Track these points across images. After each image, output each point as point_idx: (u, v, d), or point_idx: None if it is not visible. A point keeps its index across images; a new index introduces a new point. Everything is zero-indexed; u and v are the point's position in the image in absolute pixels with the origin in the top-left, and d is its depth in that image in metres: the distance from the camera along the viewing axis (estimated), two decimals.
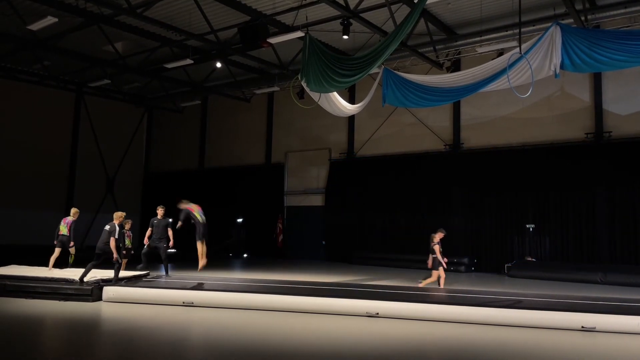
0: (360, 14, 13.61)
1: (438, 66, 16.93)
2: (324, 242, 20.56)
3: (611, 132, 15.20)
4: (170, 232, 11.65)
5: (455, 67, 17.31)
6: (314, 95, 12.32)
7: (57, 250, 12.09)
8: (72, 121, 23.76)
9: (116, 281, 9.87)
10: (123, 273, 10.96)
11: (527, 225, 15.98)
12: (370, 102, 12.53)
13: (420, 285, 11.00)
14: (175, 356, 6.06)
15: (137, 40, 17.25)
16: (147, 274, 11.43)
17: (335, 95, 12.52)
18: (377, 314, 8.35)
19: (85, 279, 9.68)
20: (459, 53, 16.60)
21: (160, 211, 11.87)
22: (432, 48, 15.82)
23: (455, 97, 12.29)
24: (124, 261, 12.14)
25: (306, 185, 21.62)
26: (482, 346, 6.68)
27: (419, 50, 15.78)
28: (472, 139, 17.72)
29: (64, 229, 12.29)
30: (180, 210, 11.63)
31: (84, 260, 10.59)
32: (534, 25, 13.71)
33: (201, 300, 9.15)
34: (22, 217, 21.02)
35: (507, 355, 6.34)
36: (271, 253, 21.46)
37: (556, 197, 15.79)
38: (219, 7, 14.45)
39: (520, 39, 9.86)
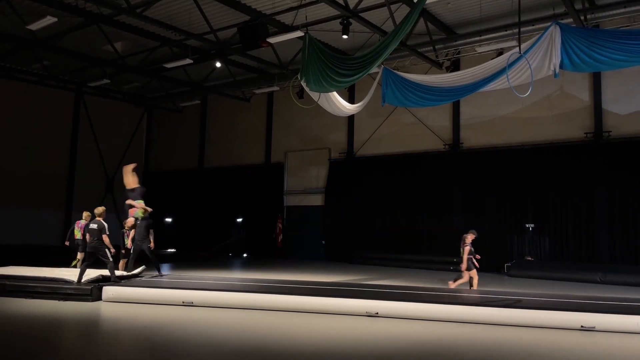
0: (360, 14, 13.61)
1: (438, 66, 16.93)
2: (323, 242, 20.56)
3: (611, 131, 15.20)
4: (151, 233, 11.62)
5: (455, 66, 17.32)
6: (314, 95, 12.31)
7: (80, 255, 12.27)
8: (72, 121, 23.76)
9: (114, 280, 9.85)
10: (120, 273, 10.97)
11: (527, 225, 15.99)
12: (370, 101, 12.54)
13: (452, 286, 10.71)
14: (175, 356, 6.06)
15: (137, 40, 17.25)
16: (143, 269, 11.45)
17: (335, 95, 12.52)
18: (377, 313, 8.35)
19: (82, 280, 9.68)
20: (459, 53, 16.60)
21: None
22: (431, 48, 15.82)
23: (454, 97, 12.29)
24: (124, 261, 12.15)
25: (306, 185, 21.62)
26: (481, 346, 6.69)
27: (419, 50, 15.78)
28: (471, 138, 17.72)
29: (78, 234, 12.39)
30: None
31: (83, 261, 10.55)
32: (533, 25, 13.71)
33: (201, 300, 9.15)
34: (21, 217, 21.02)
35: (506, 354, 6.34)
36: (271, 253, 21.47)
37: (556, 196, 15.80)
38: (219, 7, 14.45)
39: (519, 39, 9.86)
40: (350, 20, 13.78)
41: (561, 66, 9.38)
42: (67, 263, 12.99)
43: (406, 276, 14.47)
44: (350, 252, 19.18)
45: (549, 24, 9.51)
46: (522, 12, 11.20)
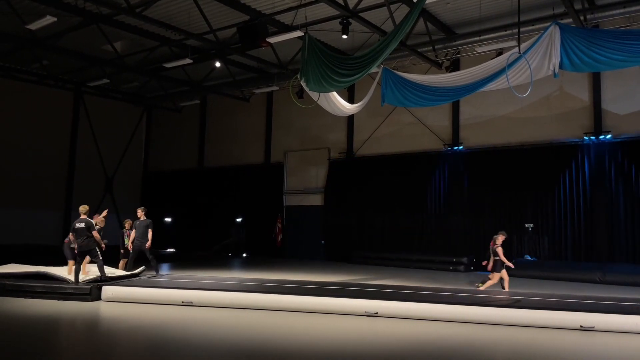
0: (360, 14, 13.60)
1: (437, 66, 16.93)
2: (323, 242, 20.56)
3: (610, 131, 15.21)
4: (150, 233, 11.60)
5: (455, 66, 17.32)
6: (313, 95, 12.32)
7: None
8: (71, 121, 23.73)
9: (104, 279, 9.80)
10: (120, 273, 10.96)
11: (526, 225, 16.00)
12: (370, 101, 12.55)
13: (481, 288, 10.53)
14: (174, 356, 6.06)
15: (136, 40, 17.24)
16: (143, 270, 11.44)
17: (335, 94, 12.53)
18: (376, 313, 8.36)
19: (80, 279, 9.67)
20: (458, 53, 16.61)
21: (140, 213, 11.85)
22: (431, 48, 15.82)
23: (454, 97, 12.30)
24: (124, 261, 12.15)
25: (305, 185, 21.62)
26: (480, 345, 6.69)
27: (418, 50, 15.78)
28: (471, 138, 17.73)
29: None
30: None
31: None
32: (533, 25, 13.72)
33: (200, 300, 9.15)
34: (20, 217, 21.01)
35: (505, 354, 6.35)
36: (270, 253, 21.46)
37: (555, 196, 15.81)
38: (218, 7, 14.44)
39: (519, 39, 9.86)
40: (350, 20, 13.77)
41: (561, 66, 9.39)
42: (66, 263, 12.96)
43: (405, 276, 14.48)
44: (350, 252, 19.18)
45: (548, 24, 9.52)
46: (522, 12, 11.21)
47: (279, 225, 21.73)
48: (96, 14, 14.70)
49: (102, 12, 14.57)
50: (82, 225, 9.70)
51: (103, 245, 9.91)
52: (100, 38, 16.36)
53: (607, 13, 13.25)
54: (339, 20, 14.02)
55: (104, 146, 24.62)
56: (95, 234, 9.70)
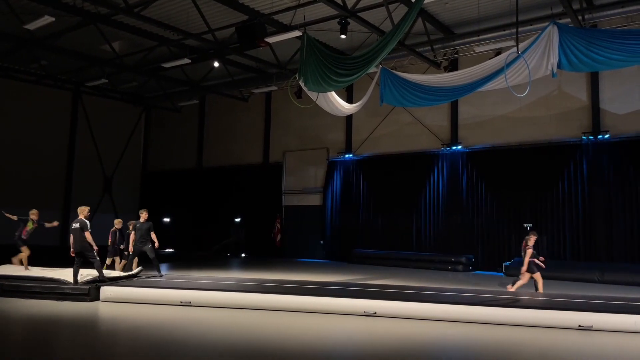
0: (358, 14, 13.61)
1: (436, 65, 16.94)
2: (322, 242, 20.56)
3: (608, 131, 15.22)
4: (153, 235, 11.61)
5: (453, 66, 17.32)
6: (312, 95, 12.31)
7: (109, 260, 12.52)
8: (70, 121, 23.71)
9: (102, 279, 9.78)
10: (117, 274, 10.95)
11: (525, 224, 16.00)
12: (368, 101, 12.55)
13: (511, 289, 10.23)
14: (173, 356, 6.06)
15: (135, 40, 17.23)
16: (140, 271, 11.43)
17: (333, 94, 12.53)
18: (375, 313, 8.36)
19: (78, 280, 9.66)
20: (457, 52, 16.62)
21: (143, 214, 11.84)
22: (429, 47, 15.83)
23: (452, 97, 12.32)
24: (123, 262, 12.16)
25: (304, 185, 21.62)
26: (479, 345, 6.69)
27: (417, 50, 15.79)
28: (470, 138, 17.74)
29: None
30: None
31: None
32: (531, 25, 13.72)
33: (199, 300, 9.15)
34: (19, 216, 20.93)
35: (504, 354, 6.35)
36: (269, 252, 21.47)
37: (554, 196, 15.82)
38: (217, 7, 14.43)
39: (517, 39, 9.86)
40: (349, 20, 13.78)
41: (559, 66, 9.40)
42: (65, 263, 12.95)
43: (404, 276, 14.48)
44: (349, 252, 19.18)
45: (546, 23, 9.53)
46: (520, 11, 11.20)
47: (278, 225, 21.73)
48: (95, 14, 14.69)
49: (100, 12, 14.56)
50: (77, 225, 9.72)
51: (96, 247, 9.79)
52: (99, 38, 16.34)
53: (605, 13, 13.26)
54: (338, 20, 14.03)
55: (102, 146, 24.60)
56: (87, 234, 9.66)
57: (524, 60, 9.37)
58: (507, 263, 15.65)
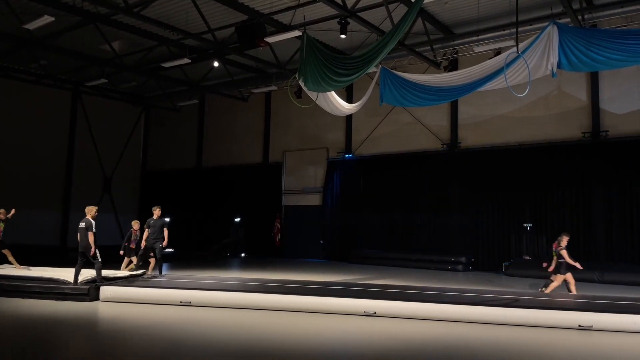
0: (358, 13, 13.60)
1: (435, 65, 16.93)
2: (322, 242, 20.56)
3: (608, 131, 15.23)
4: (165, 232, 11.62)
5: (453, 66, 17.33)
6: (312, 95, 12.31)
7: (126, 260, 12.52)
8: (69, 120, 23.67)
9: (100, 281, 9.77)
10: (120, 273, 10.95)
11: (525, 224, 16.02)
12: (368, 101, 12.54)
13: (546, 291, 10.17)
14: (173, 356, 6.05)
15: (134, 39, 17.21)
16: (143, 273, 11.41)
17: (333, 94, 12.52)
18: (375, 313, 8.36)
19: (79, 280, 9.65)
20: (457, 52, 16.62)
21: (156, 211, 11.84)
22: (429, 47, 15.82)
23: (452, 97, 12.31)
24: (152, 260, 12.20)
25: (304, 185, 21.62)
26: (479, 345, 6.69)
27: (417, 50, 15.79)
28: (469, 137, 17.74)
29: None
30: None
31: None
32: (531, 25, 13.72)
33: (199, 300, 9.15)
34: (18, 216, 20.90)
35: (504, 354, 6.35)
36: (269, 252, 21.46)
37: (553, 196, 15.83)
38: (216, 6, 14.42)
39: (517, 38, 9.85)
40: (348, 19, 13.76)
41: (559, 66, 9.39)
42: (64, 263, 12.94)
43: (404, 275, 14.48)
44: (348, 252, 19.18)
45: (546, 23, 9.52)
46: (520, 11, 11.19)
47: (278, 224, 21.72)
48: (94, 14, 14.67)
49: (100, 11, 14.54)
50: (83, 225, 9.75)
51: (93, 248, 9.72)
52: (99, 38, 16.33)
53: (605, 12, 13.26)
54: (337, 19, 14.01)
55: (102, 146, 24.57)
56: (90, 234, 9.65)
57: (524, 60, 9.37)
58: (507, 263, 15.67)
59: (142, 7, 13.54)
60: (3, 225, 11.87)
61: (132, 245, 12.43)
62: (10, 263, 11.98)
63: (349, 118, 20.20)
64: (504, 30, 14.56)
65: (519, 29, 10.13)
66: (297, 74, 11.88)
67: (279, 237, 21.63)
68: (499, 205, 16.75)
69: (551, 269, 10.14)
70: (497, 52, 14.59)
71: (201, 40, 15.52)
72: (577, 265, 9.99)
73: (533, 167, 16.11)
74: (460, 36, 15.50)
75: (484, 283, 13.21)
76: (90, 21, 15.04)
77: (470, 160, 17.46)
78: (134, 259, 12.41)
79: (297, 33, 13.91)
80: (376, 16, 14.35)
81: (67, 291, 9.47)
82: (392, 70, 11.91)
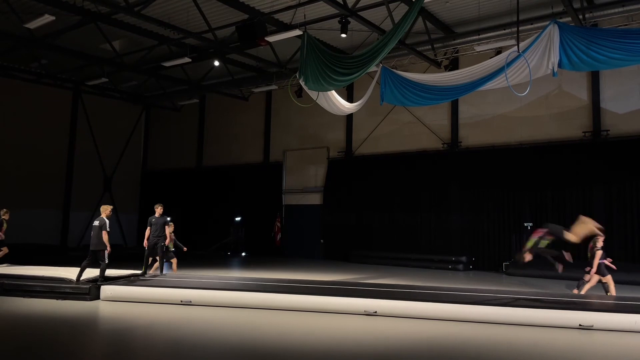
0: (358, 12, 13.59)
1: (436, 65, 16.93)
2: (322, 241, 20.56)
3: (609, 130, 15.22)
4: (167, 230, 11.61)
5: (453, 65, 17.31)
6: (312, 94, 12.32)
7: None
8: (70, 120, 23.67)
9: (100, 280, 9.78)
10: (121, 272, 10.95)
11: (525, 224, 16.01)
12: (369, 100, 12.55)
13: (582, 292, 10.00)
14: (173, 355, 6.06)
15: (135, 39, 17.21)
16: (143, 274, 11.41)
17: (334, 93, 12.53)
18: (375, 312, 8.36)
19: (81, 278, 9.66)
20: (457, 51, 16.61)
21: (158, 209, 11.82)
22: (430, 46, 15.82)
23: (453, 96, 12.31)
24: (174, 260, 12.35)
25: (304, 184, 21.62)
26: (479, 344, 6.69)
27: (417, 49, 15.78)
28: (470, 137, 17.73)
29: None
30: None
31: (83, 259, 10.50)
32: (531, 24, 13.72)
33: (199, 299, 9.14)
34: (19, 216, 20.91)
35: (504, 353, 6.34)
36: (269, 252, 21.46)
37: (554, 195, 15.82)
38: (217, 5, 14.42)
39: (518, 38, 9.86)
40: (349, 19, 13.76)
41: (559, 65, 9.40)
42: (64, 263, 12.95)
43: (404, 275, 14.48)
44: (349, 251, 19.18)
45: (547, 22, 9.52)
46: (521, 10, 11.21)
47: (278, 224, 21.73)
48: (95, 13, 14.68)
49: (100, 10, 14.54)
50: (97, 223, 9.74)
51: (109, 248, 9.75)
52: (99, 37, 16.33)
53: (605, 12, 13.27)
54: (338, 19, 14.01)
55: (102, 145, 24.58)
56: (104, 234, 9.63)
57: (525, 59, 9.37)
58: (507, 262, 15.67)
59: (143, 6, 13.53)
60: (6, 226, 11.93)
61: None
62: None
63: (349, 117, 20.19)
64: (504, 30, 14.56)
65: (520, 28, 10.14)
66: (297, 73, 11.89)
67: (279, 236, 21.63)
68: (499, 205, 16.74)
69: (593, 270, 9.93)
70: (498, 51, 14.61)
71: (202, 39, 15.52)
72: (612, 266, 9.79)
73: (533, 167, 16.10)
74: (461, 35, 15.50)
75: (485, 282, 13.21)
76: (90, 20, 15.04)
77: (471, 159, 17.45)
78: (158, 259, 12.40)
79: (297, 32, 13.90)
80: (377, 15, 14.35)
81: (68, 290, 9.46)
82: (393, 70, 11.92)
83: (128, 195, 25.62)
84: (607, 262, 9.95)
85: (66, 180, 23.33)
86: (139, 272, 11.23)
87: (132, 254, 16.32)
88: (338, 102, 12.78)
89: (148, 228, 11.62)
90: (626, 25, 13.40)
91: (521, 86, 9.97)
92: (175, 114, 25.60)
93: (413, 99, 11.71)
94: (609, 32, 9.89)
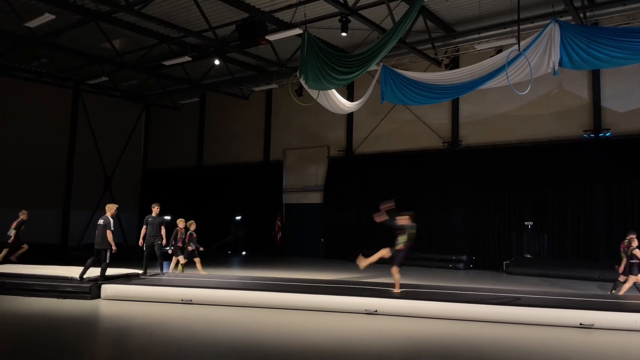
0: (359, 11, 13.58)
1: (437, 63, 16.91)
2: (322, 240, 20.55)
3: (609, 129, 15.21)
4: (163, 230, 11.60)
5: (454, 64, 17.30)
6: (313, 93, 12.31)
7: (175, 259, 12.69)
8: (70, 119, 23.65)
9: (100, 279, 9.77)
10: (123, 271, 10.95)
11: (526, 223, 16.01)
12: (369, 99, 12.53)
13: (620, 293, 9.83)
14: (173, 354, 6.06)
15: (135, 38, 17.21)
16: (144, 274, 11.40)
17: (334, 92, 12.52)
18: (376, 311, 8.36)
19: (84, 277, 9.66)
20: (458, 50, 16.59)
21: (155, 209, 11.82)
22: (430, 45, 15.80)
23: (453, 95, 12.31)
24: (197, 260, 12.47)
25: (305, 183, 21.61)
26: (480, 343, 6.69)
27: (418, 48, 15.77)
28: (470, 136, 17.72)
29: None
30: None
31: (83, 258, 10.51)
32: (532, 23, 13.71)
33: (200, 298, 9.15)
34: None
35: (505, 352, 6.34)
36: (270, 251, 21.46)
37: (554, 194, 15.82)
38: (217, 4, 14.41)
39: (518, 36, 9.85)
40: (349, 17, 13.75)
41: (560, 64, 9.39)
42: (65, 262, 12.95)
43: (405, 274, 14.42)
44: (349, 250, 19.14)
45: (548, 21, 9.52)
46: (521, 9, 11.19)
47: (278, 223, 21.73)
48: (95, 12, 14.66)
49: (101, 9, 14.53)
50: (102, 222, 9.73)
51: (114, 248, 9.76)
52: (99, 36, 16.32)
53: (606, 10, 13.25)
54: (338, 17, 14.00)
55: (103, 144, 24.57)
56: (109, 233, 9.62)
57: (526, 58, 9.37)
58: (508, 261, 15.66)
59: (143, 5, 13.52)
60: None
61: (180, 244, 12.42)
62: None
63: (349, 116, 20.18)
64: (505, 28, 14.53)
65: (521, 27, 10.14)
66: (298, 72, 11.88)
67: (279, 235, 21.64)
68: (500, 204, 16.74)
69: (621, 269, 9.87)
70: (499, 50, 14.59)
71: (202, 38, 15.51)
72: None
73: (534, 165, 16.09)
74: (462, 34, 15.48)
75: (485, 281, 13.20)
76: (91, 19, 15.03)
77: (471, 158, 17.44)
78: (181, 259, 12.38)
79: (298, 31, 13.88)
80: (377, 14, 14.33)
81: (68, 289, 9.47)
82: (393, 68, 11.92)
83: (128, 194, 25.61)
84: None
85: (66, 179, 23.32)
86: (139, 271, 11.23)
87: (132, 253, 16.31)
88: (338, 101, 12.77)
89: (144, 227, 11.63)
90: (627, 24, 13.38)
91: (522, 85, 9.96)
92: (176, 112, 25.59)
93: (413, 98, 11.70)
94: (610, 30, 9.87)
